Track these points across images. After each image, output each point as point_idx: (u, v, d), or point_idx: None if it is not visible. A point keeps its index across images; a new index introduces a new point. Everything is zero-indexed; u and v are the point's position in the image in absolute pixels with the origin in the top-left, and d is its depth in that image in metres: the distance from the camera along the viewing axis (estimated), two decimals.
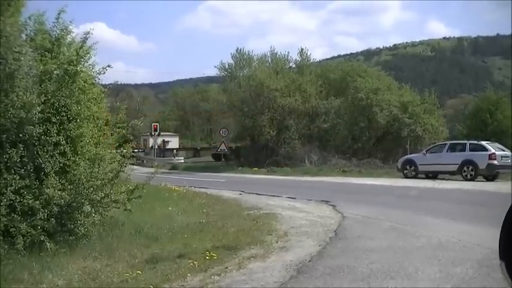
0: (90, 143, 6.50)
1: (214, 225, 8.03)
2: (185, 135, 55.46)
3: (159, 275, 5.00)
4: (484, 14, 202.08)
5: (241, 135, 32.02)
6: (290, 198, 12.33)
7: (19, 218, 5.39)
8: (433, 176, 18.96)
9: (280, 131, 28.35)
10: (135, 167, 9.78)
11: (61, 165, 6.01)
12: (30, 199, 5.50)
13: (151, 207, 8.93)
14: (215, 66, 34.94)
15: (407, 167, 19.69)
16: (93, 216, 6.14)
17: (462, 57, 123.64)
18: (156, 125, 32.22)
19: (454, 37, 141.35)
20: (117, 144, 7.30)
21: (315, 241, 6.83)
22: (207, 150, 43.86)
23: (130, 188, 6.93)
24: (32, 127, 5.71)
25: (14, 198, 5.39)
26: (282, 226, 8.09)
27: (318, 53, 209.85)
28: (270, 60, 32.90)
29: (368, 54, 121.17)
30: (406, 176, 19.36)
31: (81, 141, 6.39)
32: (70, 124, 6.26)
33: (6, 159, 5.50)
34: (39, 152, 5.79)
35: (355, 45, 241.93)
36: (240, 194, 13.53)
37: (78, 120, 6.35)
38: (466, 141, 19.61)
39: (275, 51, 32.91)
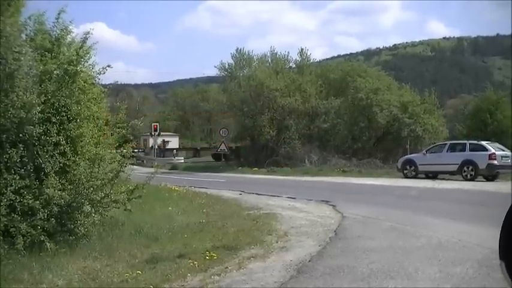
0: (90, 143, 6.51)
1: (214, 225, 8.03)
2: (185, 135, 55.47)
3: (159, 275, 5.00)
4: (484, 14, 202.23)
5: (241, 135, 32.01)
6: (290, 198, 12.33)
7: (19, 218, 5.39)
8: (433, 176, 18.95)
9: (280, 131, 28.33)
10: (135, 167, 9.78)
11: (61, 165, 6.02)
12: (30, 199, 5.50)
13: (151, 207, 8.93)
14: (215, 66, 34.95)
15: (407, 167, 19.69)
16: (93, 216, 6.15)
17: (462, 57, 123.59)
18: (156, 125, 32.21)
19: (454, 37, 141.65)
20: (117, 144, 7.30)
21: (315, 241, 6.83)
22: (207, 150, 43.82)
23: (130, 188, 6.93)
24: (32, 127, 5.71)
25: (14, 198, 5.39)
26: (282, 226, 8.09)
27: (318, 53, 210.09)
28: (270, 60, 32.89)
29: (368, 54, 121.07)
30: (406, 176, 19.35)
31: (81, 141, 6.39)
32: (70, 124, 6.26)
33: (6, 159, 5.50)
34: (39, 152, 5.79)
35: (355, 45, 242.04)
36: (240, 194, 13.53)
37: (78, 120, 6.35)
38: (466, 141, 19.59)
39: (275, 51, 32.98)
